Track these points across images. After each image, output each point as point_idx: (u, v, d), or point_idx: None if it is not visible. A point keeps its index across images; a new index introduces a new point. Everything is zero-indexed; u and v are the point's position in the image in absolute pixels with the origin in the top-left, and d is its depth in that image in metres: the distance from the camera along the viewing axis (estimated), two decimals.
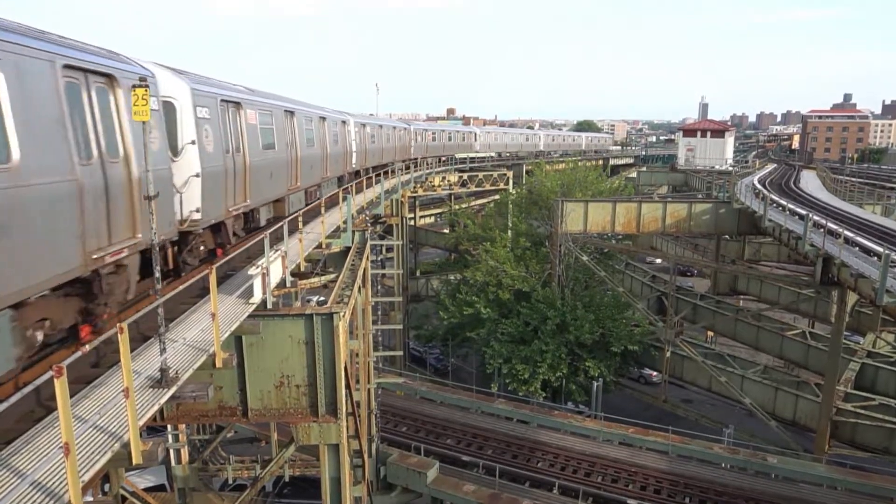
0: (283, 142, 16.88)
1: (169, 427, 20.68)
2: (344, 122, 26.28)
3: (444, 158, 55.66)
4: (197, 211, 11.32)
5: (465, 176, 56.90)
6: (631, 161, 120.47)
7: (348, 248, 16.84)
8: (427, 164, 46.58)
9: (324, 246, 15.50)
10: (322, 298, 14.42)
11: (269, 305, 10.77)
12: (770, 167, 75.81)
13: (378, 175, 28.46)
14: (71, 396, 5.06)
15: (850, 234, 23.10)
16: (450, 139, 58.22)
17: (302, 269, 13.45)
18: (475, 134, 67.58)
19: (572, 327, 32.63)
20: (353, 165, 28.31)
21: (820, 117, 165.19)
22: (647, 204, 35.92)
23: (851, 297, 25.59)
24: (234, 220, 13.58)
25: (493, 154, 71.37)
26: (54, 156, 6.91)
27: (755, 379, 29.41)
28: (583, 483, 23.47)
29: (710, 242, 48.60)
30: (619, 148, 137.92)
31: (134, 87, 7.06)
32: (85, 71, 7.83)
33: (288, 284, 12.25)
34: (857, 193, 49.94)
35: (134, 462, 5.95)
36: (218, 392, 10.98)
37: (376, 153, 34.53)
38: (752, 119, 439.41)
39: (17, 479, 5.14)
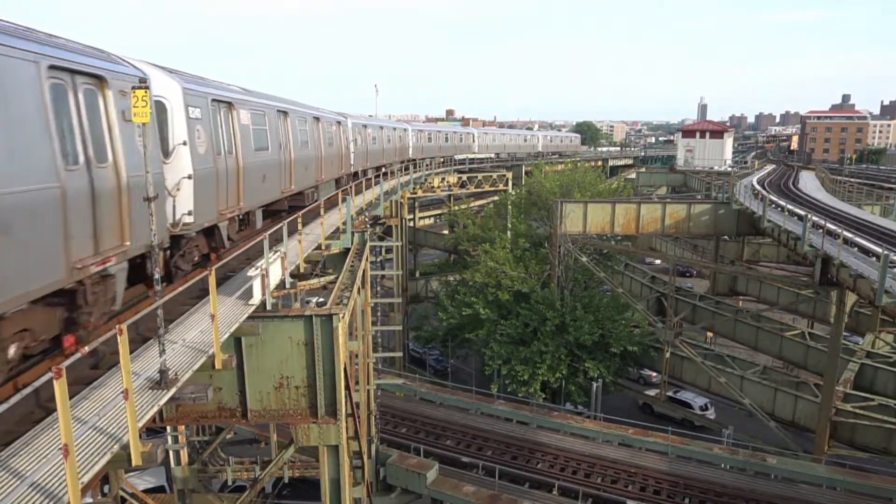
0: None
1: (168, 428, 20.71)
2: (230, 104, 13.52)
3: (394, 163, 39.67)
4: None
5: (465, 177, 56.90)
6: (630, 162, 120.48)
7: (348, 250, 16.85)
8: (370, 179, 31.04)
9: (323, 247, 15.50)
10: (321, 300, 14.43)
11: (269, 307, 10.77)
12: (769, 168, 75.92)
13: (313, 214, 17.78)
14: (70, 398, 5.06)
15: (848, 235, 23.13)
16: (388, 141, 41.87)
17: (301, 270, 13.46)
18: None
19: (572, 328, 32.60)
20: (242, 204, 13.98)
21: (819, 118, 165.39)
22: (646, 205, 35.91)
23: (850, 298, 25.61)
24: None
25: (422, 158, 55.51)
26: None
27: (754, 379, 29.41)
28: (582, 484, 23.46)
29: (709, 243, 48.57)
30: (586, 149, 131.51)
31: (134, 88, 7.01)
32: None
33: (287, 286, 12.26)
34: (856, 194, 50.06)
35: (133, 463, 5.95)
36: (217, 393, 10.99)
37: (307, 165, 20.25)
38: (751, 120, 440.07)
39: (17, 481, 5.14)
